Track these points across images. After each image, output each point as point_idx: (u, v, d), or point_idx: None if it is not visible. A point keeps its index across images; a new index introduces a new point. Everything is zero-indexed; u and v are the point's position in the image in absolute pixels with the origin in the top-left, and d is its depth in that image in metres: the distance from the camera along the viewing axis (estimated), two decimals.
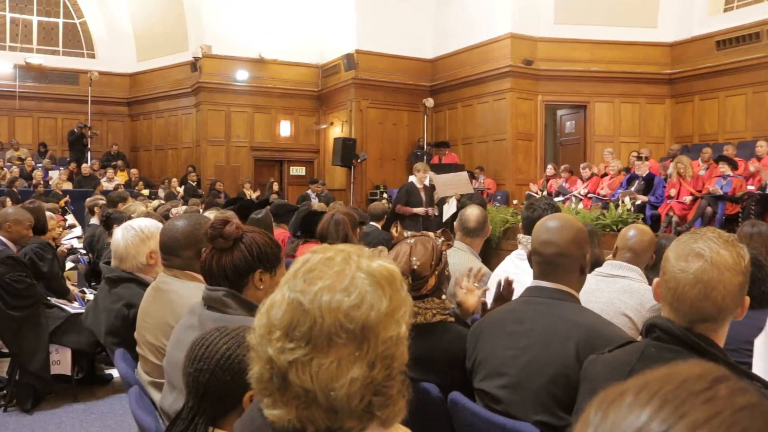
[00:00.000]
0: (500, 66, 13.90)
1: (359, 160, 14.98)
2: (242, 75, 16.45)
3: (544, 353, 2.16)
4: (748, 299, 1.65)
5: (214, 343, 1.73)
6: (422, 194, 9.00)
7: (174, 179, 15.45)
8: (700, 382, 0.67)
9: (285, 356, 1.06)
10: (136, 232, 3.20)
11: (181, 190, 14.83)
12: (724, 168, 9.94)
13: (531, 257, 2.36)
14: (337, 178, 15.87)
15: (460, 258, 3.99)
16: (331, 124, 16.65)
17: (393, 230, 5.64)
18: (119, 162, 16.57)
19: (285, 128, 17.07)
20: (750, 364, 2.59)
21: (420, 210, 8.86)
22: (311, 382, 1.05)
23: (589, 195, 10.96)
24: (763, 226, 4.17)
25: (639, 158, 11.01)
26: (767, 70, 12.45)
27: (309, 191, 14.61)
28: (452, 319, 2.63)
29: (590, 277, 3.36)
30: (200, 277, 2.48)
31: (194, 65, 16.35)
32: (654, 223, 9.64)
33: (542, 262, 2.29)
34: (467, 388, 2.39)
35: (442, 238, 2.68)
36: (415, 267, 2.46)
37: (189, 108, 17.18)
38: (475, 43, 14.57)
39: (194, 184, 15.50)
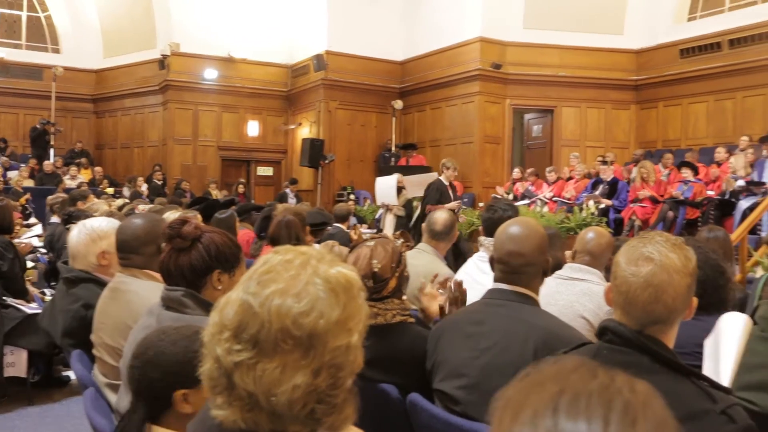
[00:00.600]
0: (469, 69, 13.98)
1: (327, 161, 14.96)
2: (211, 74, 16.32)
3: (503, 355, 2.18)
4: (695, 300, 1.68)
5: (151, 341, 1.77)
6: (450, 192, 8.83)
7: (140, 178, 15.26)
8: (603, 387, 0.69)
9: (231, 357, 1.05)
10: (88, 232, 3.14)
11: (146, 189, 14.65)
12: (686, 173, 10.13)
13: (493, 262, 2.37)
14: (304, 178, 15.80)
15: (424, 260, 4.01)
16: (300, 124, 16.59)
17: (352, 232, 5.55)
18: (83, 160, 16.28)
19: (253, 128, 16.97)
20: (701, 367, 2.65)
21: (453, 204, 8.66)
22: (254, 386, 1.04)
23: (554, 198, 11.08)
24: (720, 231, 4.25)
25: (604, 163, 11.16)
26: (727, 79, 12.71)
27: (287, 190, 14.54)
28: (412, 320, 2.64)
29: (550, 280, 3.40)
30: (159, 276, 2.46)
31: (162, 63, 16.18)
32: (617, 226, 9.78)
33: (509, 272, 2.31)
34: (427, 389, 2.40)
35: (401, 240, 2.69)
36: (376, 270, 2.46)
37: (156, 106, 16.98)
38: (445, 46, 14.62)
39: (160, 183, 15.33)
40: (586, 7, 13.81)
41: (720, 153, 10.96)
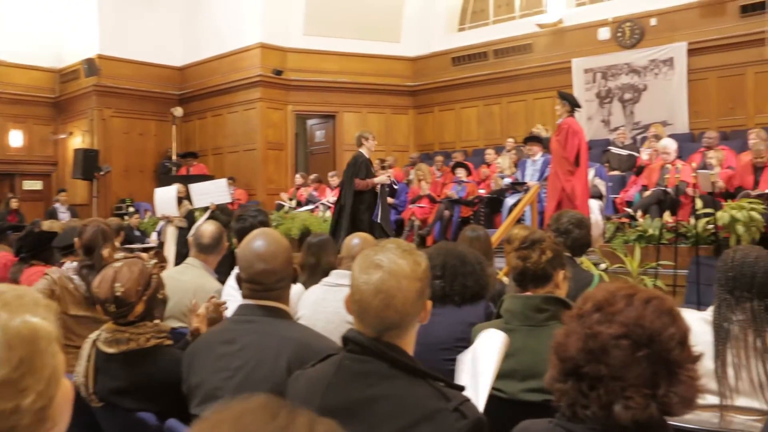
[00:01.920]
0: (250, 75, 13.83)
1: (103, 173, 14.01)
2: None
3: (257, 372, 2.13)
4: (430, 303, 1.73)
5: None
6: (371, 165, 8.11)
7: None
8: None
9: None
10: None
11: None
12: (460, 174, 10.75)
13: (240, 280, 2.30)
14: (78, 192, 14.67)
15: (192, 275, 3.86)
16: (71, 133, 15.40)
17: (105, 251, 5.00)
18: None
19: (16, 138, 15.42)
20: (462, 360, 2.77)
21: (383, 178, 8.06)
22: None
23: None
24: (482, 230, 4.53)
25: (383, 167, 11.52)
26: (494, 86, 13.75)
27: (56, 205, 13.34)
28: (170, 342, 2.53)
29: (317, 288, 3.43)
30: None
31: None
32: (398, 227, 10.15)
33: (262, 290, 2.25)
34: (186, 413, 2.29)
35: (155, 260, 2.55)
36: (119, 294, 2.31)
37: None
38: (225, 51, 14.34)
39: None
40: (364, 15, 14.20)
41: (490, 154, 11.80)
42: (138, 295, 2.35)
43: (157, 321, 2.50)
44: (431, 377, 1.65)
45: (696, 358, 1.36)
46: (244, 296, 2.27)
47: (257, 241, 2.27)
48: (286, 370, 2.06)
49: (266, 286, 2.23)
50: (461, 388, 1.68)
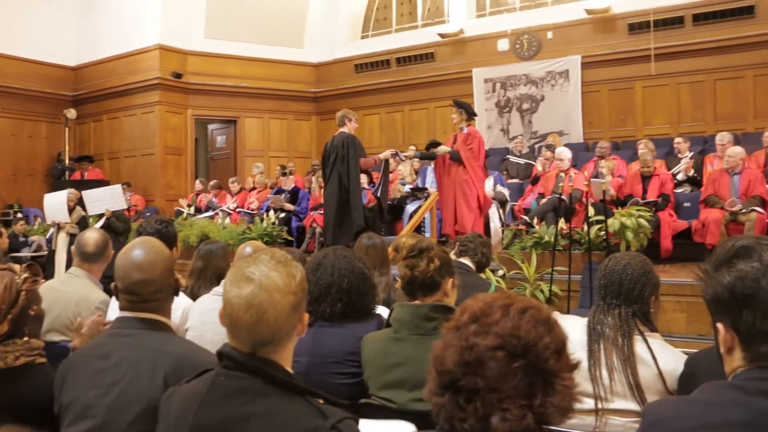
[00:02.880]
0: (148, 78, 13.45)
1: None
2: None
3: (132, 388, 2.02)
4: (307, 316, 1.67)
5: None
6: None
7: None
8: None
9: None
10: None
11: None
12: (362, 181, 10.73)
13: (116, 291, 2.17)
14: None
15: (77, 285, 3.66)
16: None
17: None
18: None
19: None
20: (353, 374, 2.72)
21: (387, 153, 7.90)
22: None
23: (238, 209, 11.05)
24: (378, 239, 4.51)
25: (284, 173, 11.39)
26: (396, 94, 13.96)
27: None
28: (43, 359, 2.35)
29: (207, 297, 3.33)
30: None
31: None
32: (300, 234, 10.03)
33: (138, 301, 2.14)
34: None
35: (26, 274, 2.36)
36: None
37: None
38: (123, 52, 13.87)
39: None
40: (267, 20, 14.07)
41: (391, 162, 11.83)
42: (1, 314, 2.17)
43: (27, 339, 2.32)
44: (310, 393, 1.59)
45: (573, 367, 1.35)
46: (122, 308, 2.16)
47: (135, 250, 2.16)
48: (163, 386, 1.96)
49: (143, 297, 2.12)
50: (342, 405, 1.62)
